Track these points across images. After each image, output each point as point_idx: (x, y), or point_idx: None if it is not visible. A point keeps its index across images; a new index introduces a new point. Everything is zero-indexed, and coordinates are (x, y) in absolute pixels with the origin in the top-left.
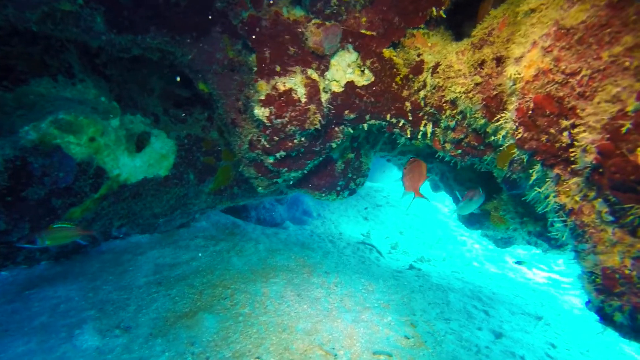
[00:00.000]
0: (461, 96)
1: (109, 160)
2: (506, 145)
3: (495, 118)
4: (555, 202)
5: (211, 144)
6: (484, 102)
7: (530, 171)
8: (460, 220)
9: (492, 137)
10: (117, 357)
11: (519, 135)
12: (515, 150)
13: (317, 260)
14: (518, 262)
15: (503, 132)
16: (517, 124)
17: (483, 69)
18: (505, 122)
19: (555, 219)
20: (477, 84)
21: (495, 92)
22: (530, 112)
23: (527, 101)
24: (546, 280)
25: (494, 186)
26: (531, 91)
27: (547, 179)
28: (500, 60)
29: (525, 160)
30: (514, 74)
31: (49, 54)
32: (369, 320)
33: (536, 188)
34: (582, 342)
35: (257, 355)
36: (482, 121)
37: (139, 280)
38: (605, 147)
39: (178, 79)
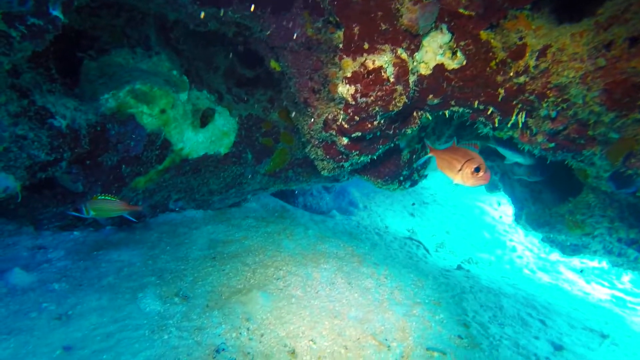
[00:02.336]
0: (575, 81)
1: (175, 133)
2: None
3: (620, 104)
4: None
5: (271, 125)
6: (606, 87)
7: None
8: (527, 221)
9: (602, 128)
10: (177, 323)
11: None
12: None
13: (366, 250)
14: (581, 271)
15: None
16: None
17: (610, 50)
18: None
19: None
20: (599, 68)
21: (623, 76)
22: None
23: None
24: (609, 297)
25: (565, 188)
26: None
27: None
28: (636, 40)
29: None
30: None
31: (130, 26)
32: (421, 316)
33: None
34: None
35: (311, 337)
36: (598, 109)
37: (195, 253)
38: None
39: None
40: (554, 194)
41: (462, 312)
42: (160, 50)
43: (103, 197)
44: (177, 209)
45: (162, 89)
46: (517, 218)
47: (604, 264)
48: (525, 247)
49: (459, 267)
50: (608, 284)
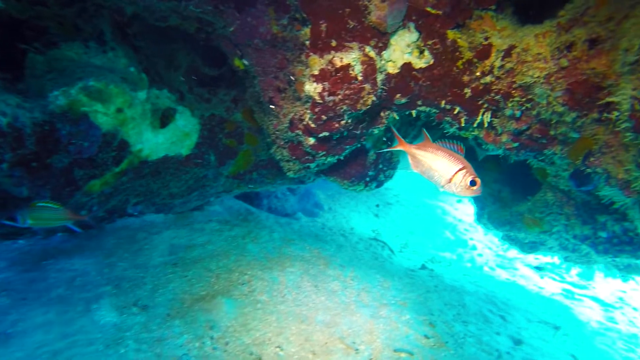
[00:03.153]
0: (539, 81)
1: (133, 133)
2: (586, 136)
3: (581, 104)
4: None
5: (234, 125)
6: (569, 87)
7: None
8: (489, 220)
9: (564, 128)
10: (136, 335)
11: None
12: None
13: (332, 252)
14: (538, 268)
15: (616, 114)
16: None
17: (571, 51)
18: (621, 104)
19: None
20: (562, 68)
21: (584, 77)
22: None
23: None
24: (560, 290)
25: (524, 187)
26: None
27: None
28: (595, 42)
29: None
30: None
31: (82, 18)
32: (388, 317)
33: None
34: (604, 357)
35: (278, 344)
36: (560, 109)
37: (155, 259)
38: None
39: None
40: (514, 194)
41: (427, 311)
42: (115, 46)
43: (43, 204)
44: (136, 214)
45: (118, 87)
46: (480, 217)
47: (556, 259)
48: (485, 245)
49: (423, 267)
50: (559, 277)
